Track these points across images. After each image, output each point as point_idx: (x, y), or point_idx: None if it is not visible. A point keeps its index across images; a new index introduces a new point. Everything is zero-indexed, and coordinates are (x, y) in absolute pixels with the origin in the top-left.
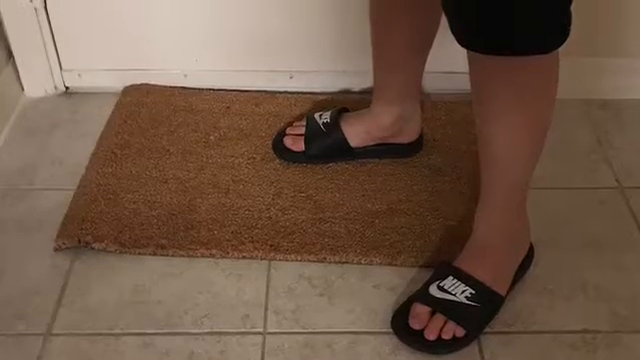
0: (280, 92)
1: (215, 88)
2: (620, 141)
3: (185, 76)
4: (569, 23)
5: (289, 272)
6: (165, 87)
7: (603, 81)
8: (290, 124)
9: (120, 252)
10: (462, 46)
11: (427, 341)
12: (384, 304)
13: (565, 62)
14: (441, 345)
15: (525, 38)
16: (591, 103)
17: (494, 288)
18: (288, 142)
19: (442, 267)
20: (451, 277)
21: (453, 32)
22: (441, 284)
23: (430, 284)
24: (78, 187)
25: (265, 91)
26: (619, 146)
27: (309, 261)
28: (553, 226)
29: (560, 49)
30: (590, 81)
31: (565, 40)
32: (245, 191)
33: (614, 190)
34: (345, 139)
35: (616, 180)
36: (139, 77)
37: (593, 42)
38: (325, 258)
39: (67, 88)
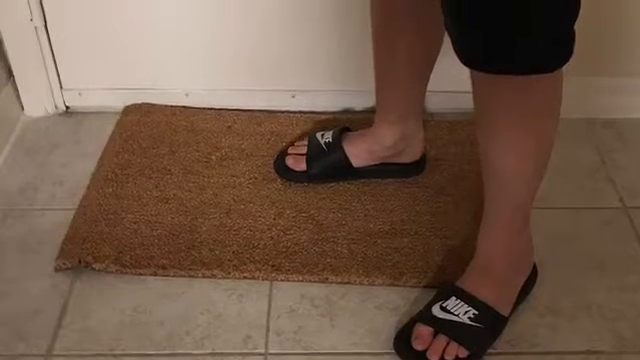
0: (282, 111)
1: (216, 107)
2: (624, 160)
3: (186, 95)
4: (572, 42)
5: (291, 292)
6: (166, 106)
7: (607, 100)
8: (292, 144)
9: (121, 272)
10: (465, 65)
11: None
12: (386, 325)
13: (568, 81)
14: None
15: (528, 57)
16: (595, 122)
17: (497, 308)
18: (290, 162)
19: (445, 287)
20: (454, 297)
21: (456, 51)
22: (444, 304)
23: (433, 304)
24: (78, 207)
25: (267, 110)
26: (623, 166)
27: (311, 281)
28: (557, 246)
29: (563, 68)
30: (594, 100)
31: (569, 59)
32: (246, 211)
33: (618, 210)
34: (347, 159)
35: (620, 200)
36: (140, 96)
37: (596, 61)
38: (327, 278)
39: (67, 107)
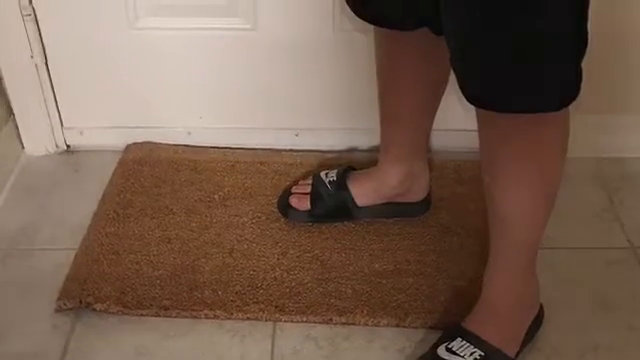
0: (286, 150)
1: (219, 146)
2: (631, 200)
3: (189, 134)
4: (580, 80)
5: (295, 333)
6: (168, 145)
7: (614, 139)
8: (296, 183)
9: (122, 313)
10: (471, 103)
11: None
12: None
13: (576, 119)
14: None
15: (534, 95)
16: (602, 161)
17: (503, 350)
18: (294, 201)
19: (450, 328)
20: (460, 339)
21: (462, 89)
22: (449, 346)
23: (438, 346)
24: (80, 247)
25: (270, 149)
26: (630, 205)
27: (315, 322)
28: (563, 286)
29: (571, 106)
30: (601, 139)
31: (575, 98)
32: (250, 251)
33: (626, 250)
34: (352, 198)
35: (628, 240)
36: (142, 135)
37: (603, 99)
38: (331, 319)
39: (68, 146)
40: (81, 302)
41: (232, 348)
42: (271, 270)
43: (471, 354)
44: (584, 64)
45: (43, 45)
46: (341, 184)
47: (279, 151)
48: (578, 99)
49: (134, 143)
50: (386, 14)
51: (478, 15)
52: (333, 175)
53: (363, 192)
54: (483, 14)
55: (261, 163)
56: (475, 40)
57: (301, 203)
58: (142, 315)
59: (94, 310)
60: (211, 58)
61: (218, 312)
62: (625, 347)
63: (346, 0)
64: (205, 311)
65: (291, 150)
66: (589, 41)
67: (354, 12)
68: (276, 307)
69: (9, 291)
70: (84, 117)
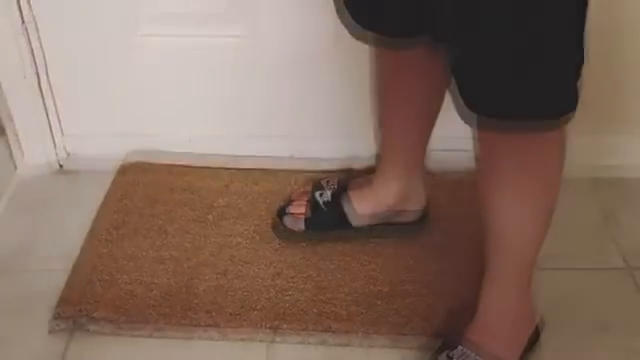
0: (280, 170)
1: (214, 166)
2: (628, 220)
3: (183, 154)
4: (576, 99)
5: (289, 354)
6: (162, 165)
7: (610, 159)
8: (290, 202)
9: (116, 334)
10: (471, 110)
11: None
12: None
13: (572, 140)
14: None
15: (532, 106)
16: (598, 182)
17: None
18: (288, 221)
19: (447, 343)
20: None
21: (462, 96)
22: None
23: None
24: (73, 267)
25: (264, 169)
26: (627, 225)
27: (309, 343)
28: (559, 307)
29: (568, 126)
30: (597, 159)
31: (572, 116)
32: (244, 272)
33: (622, 271)
34: (346, 218)
35: (624, 260)
36: (136, 155)
37: (600, 120)
38: (326, 340)
39: (62, 166)
40: (75, 323)
41: None
42: (265, 291)
43: None
44: (581, 84)
45: (43, 55)
46: (336, 204)
47: (273, 171)
48: (575, 119)
49: (128, 163)
50: (387, 19)
51: (479, 30)
52: (328, 195)
53: (358, 212)
54: (484, 29)
55: (255, 183)
56: (476, 54)
57: (296, 223)
58: (136, 336)
59: (88, 331)
60: (205, 78)
61: (212, 333)
62: None
63: (346, 5)
64: (199, 332)
65: (285, 170)
66: (586, 59)
67: (354, 19)
68: (270, 328)
69: (2, 311)
70: (77, 138)
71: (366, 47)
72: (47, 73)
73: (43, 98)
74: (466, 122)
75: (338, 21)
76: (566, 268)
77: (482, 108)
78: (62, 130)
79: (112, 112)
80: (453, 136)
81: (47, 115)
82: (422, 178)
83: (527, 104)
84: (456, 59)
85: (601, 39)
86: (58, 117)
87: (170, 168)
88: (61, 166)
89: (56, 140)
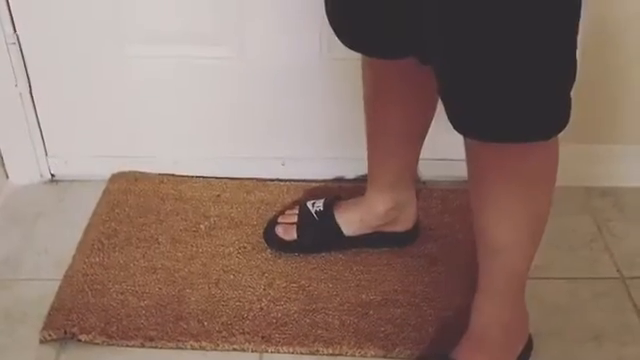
0: (272, 180)
1: (205, 175)
2: (621, 230)
3: (174, 163)
4: (569, 109)
5: None
6: (154, 174)
7: (603, 168)
8: (282, 212)
9: (107, 344)
10: (460, 133)
11: None
12: None
13: (565, 149)
14: None
15: (524, 124)
16: (591, 191)
17: None
18: (280, 231)
19: (439, 358)
20: None
21: (449, 118)
22: None
23: None
24: (64, 277)
25: (256, 179)
26: (620, 235)
27: (301, 353)
28: (553, 317)
29: (560, 135)
30: (590, 168)
31: (565, 126)
32: (236, 281)
33: (615, 280)
34: (339, 228)
35: (617, 270)
36: (127, 164)
37: (593, 129)
38: (318, 350)
39: (53, 175)
40: (66, 333)
41: None
42: (257, 301)
43: None
44: (573, 94)
45: (27, 74)
46: (328, 214)
47: (265, 180)
48: (567, 129)
49: (119, 172)
50: (373, 42)
51: (467, 46)
52: (320, 205)
53: (350, 222)
54: (471, 45)
55: (247, 193)
56: (463, 70)
57: (288, 233)
58: (127, 346)
59: (79, 341)
60: (196, 87)
61: (204, 343)
62: None
63: (333, 28)
64: (191, 342)
65: (277, 180)
66: (578, 71)
67: (338, 37)
68: (262, 338)
69: None
70: (68, 146)
71: (355, 65)
72: (31, 93)
73: (27, 119)
74: (457, 130)
75: (325, 38)
76: (559, 278)
77: (470, 131)
78: (46, 151)
79: (97, 133)
80: (445, 144)
81: (30, 136)
82: (413, 188)
83: (517, 126)
84: (442, 82)
85: (591, 50)
86: (42, 138)
87: (161, 178)
88: (53, 175)
89: (40, 159)
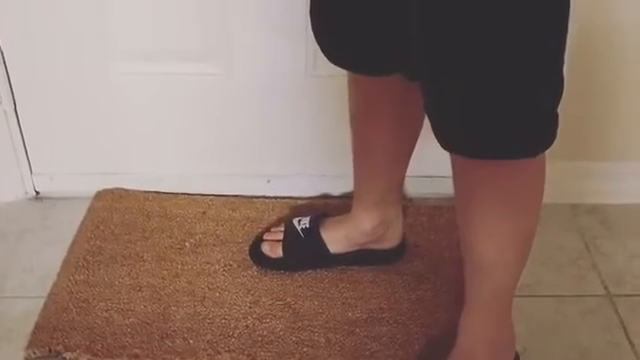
0: (257, 197)
1: (190, 192)
2: (608, 247)
3: (159, 180)
4: (556, 126)
5: None
6: (139, 191)
7: (590, 186)
8: (268, 230)
9: None
10: (444, 149)
11: None
12: None
13: (552, 166)
14: None
15: (510, 141)
16: (578, 208)
17: None
18: (266, 248)
19: None
20: None
21: (436, 134)
22: None
23: None
24: (49, 295)
25: (242, 196)
26: (607, 252)
27: None
28: (539, 335)
29: (547, 152)
30: (577, 186)
31: (551, 143)
32: (221, 299)
33: (602, 298)
34: (325, 245)
35: (604, 288)
36: (112, 181)
37: (580, 146)
38: None
39: (37, 193)
40: (50, 351)
41: None
42: (243, 318)
43: None
44: (560, 110)
45: (12, 91)
46: (314, 231)
47: (250, 198)
48: (554, 146)
49: (104, 190)
50: (359, 58)
51: (452, 63)
52: (306, 222)
53: (336, 239)
54: (457, 62)
55: (232, 210)
56: (449, 88)
57: (273, 250)
58: None
59: (64, 359)
60: (181, 104)
61: None
62: None
63: (318, 43)
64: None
65: (263, 197)
66: (565, 88)
67: (326, 56)
68: (248, 356)
69: None
70: (53, 164)
71: (341, 82)
72: (16, 110)
73: (11, 136)
74: (444, 147)
75: (310, 56)
76: (546, 295)
77: (456, 148)
78: (31, 168)
79: (81, 151)
80: (432, 161)
81: (15, 153)
82: (400, 205)
83: (504, 143)
84: (428, 98)
85: (582, 62)
86: (27, 155)
87: (146, 195)
88: (37, 193)
89: (25, 176)
